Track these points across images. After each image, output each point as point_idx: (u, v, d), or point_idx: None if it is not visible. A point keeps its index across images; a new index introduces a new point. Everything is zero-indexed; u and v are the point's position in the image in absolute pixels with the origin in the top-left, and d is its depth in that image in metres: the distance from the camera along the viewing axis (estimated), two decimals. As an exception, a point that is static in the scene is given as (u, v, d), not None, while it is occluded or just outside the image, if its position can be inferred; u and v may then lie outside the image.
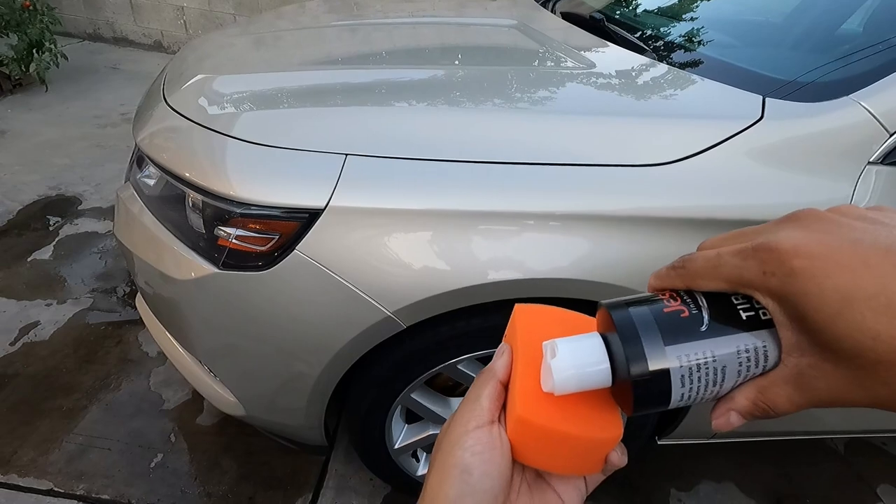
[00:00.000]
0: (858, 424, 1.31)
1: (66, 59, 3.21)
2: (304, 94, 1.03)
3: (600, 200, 0.85)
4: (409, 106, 1.00)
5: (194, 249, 0.95)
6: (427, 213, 0.85)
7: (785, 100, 0.94)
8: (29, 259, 1.97)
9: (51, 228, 2.14)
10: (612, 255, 0.87)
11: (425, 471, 1.22)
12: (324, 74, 1.14)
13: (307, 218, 0.85)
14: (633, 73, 1.12)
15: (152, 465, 1.34)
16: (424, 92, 1.05)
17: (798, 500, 1.49)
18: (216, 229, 0.89)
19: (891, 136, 0.87)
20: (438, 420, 1.14)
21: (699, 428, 1.22)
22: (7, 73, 3.02)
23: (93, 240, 2.11)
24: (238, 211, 0.86)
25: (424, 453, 1.24)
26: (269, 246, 0.88)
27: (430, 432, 1.14)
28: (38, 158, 2.59)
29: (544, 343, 0.31)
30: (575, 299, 0.89)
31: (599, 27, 1.36)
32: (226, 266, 0.90)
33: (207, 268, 0.92)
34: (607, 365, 0.29)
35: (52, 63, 3.05)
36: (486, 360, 1.03)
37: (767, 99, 0.93)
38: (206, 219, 0.90)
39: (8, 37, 3.00)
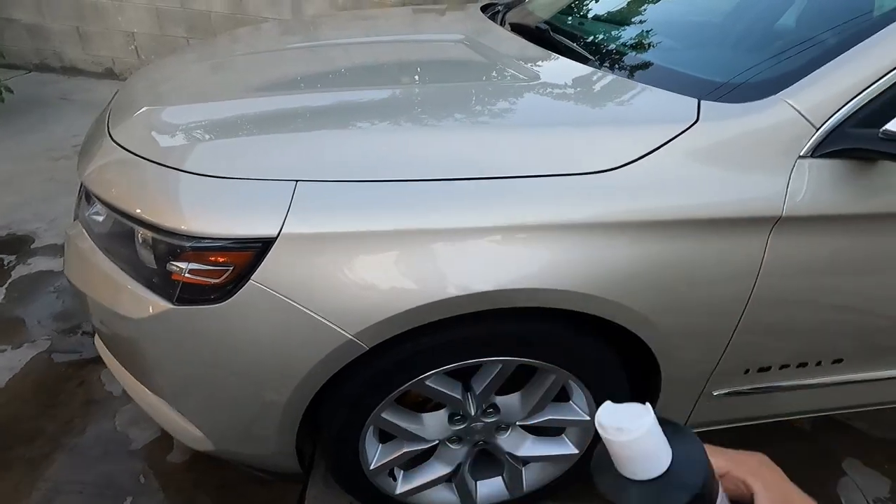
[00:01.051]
0: (823, 403, 1.36)
1: (12, 91, 3.11)
2: (254, 122, 1.03)
3: (551, 210, 0.88)
4: (358, 128, 1.00)
5: (148, 286, 0.93)
6: (381, 234, 0.86)
7: (719, 101, 0.98)
8: (-20, 304, 1.89)
9: (3, 269, 2.06)
10: (570, 262, 0.89)
11: (404, 489, 1.21)
12: (275, 100, 1.14)
13: (260, 247, 0.84)
14: (576, 83, 1.16)
15: (122, 508, 1.30)
16: (370, 113, 1.06)
17: (770, 482, 1.54)
18: (168, 264, 0.88)
19: (817, 130, 0.92)
20: (412, 438, 1.13)
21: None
22: (-51, 110, 2.91)
23: (48, 279, 2.03)
24: (188, 245, 0.85)
25: (402, 472, 1.23)
26: (223, 278, 0.87)
27: (405, 450, 1.14)
28: (-14, 197, 2.50)
29: None
30: (536, 308, 0.91)
31: (545, 38, 1.40)
32: (181, 301, 0.88)
33: (163, 304, 0.90)
34: None
35: (-4, 97, 2.95)
36: (453, 374, 1.03)
37: (702, 102, 0.97)
38: (157, 254, 0.89)
39: (-54, 73, 2.89)
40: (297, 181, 0.87)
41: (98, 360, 1.66)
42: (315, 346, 0.88)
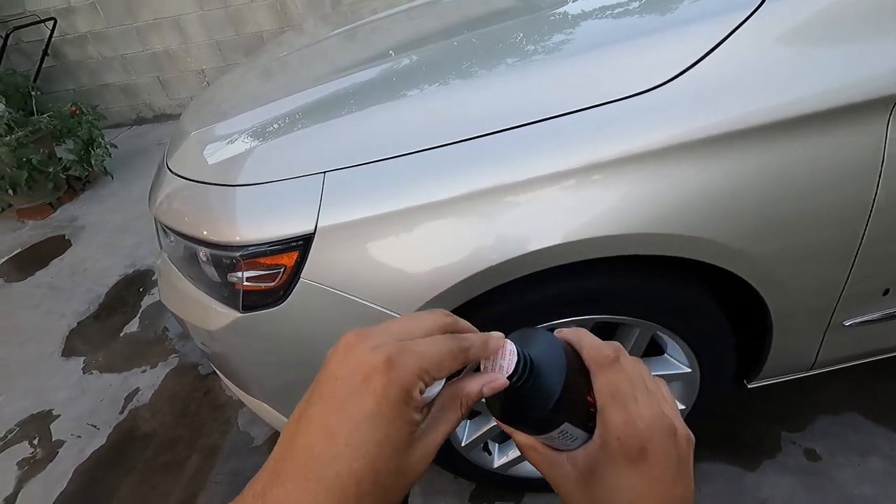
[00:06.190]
0: None
1: (116, 147, 3.52)
2: (284, 122, 1.03)
3: (592, 150, 0.77)
4: (386, 103, 0.96)
5: (220, 300, 0.98)
6: (419, 209, 0.82)
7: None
8: (122, 334, 2.19)
9: (134, 302, 2.36)
10: (632, 203, 0.78)
11: (501, 461, 1.19)
12: (304, 94, 1.13)
13: (302, 244, 0.84)
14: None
15: (254, 499, 1.43)
16: (398, 85, 1.01)
17: (943, 417, 1.29)
18: (228, 276, 0.92)
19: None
20: (498, 410, 1.10)
21: (792, 362, 1.08)
22: (77, 175, 3.38)
23: (169, 304, 2.29)
24: (238, 255, 0.87)
25: (496, 445, 1.21)
26: (278, 280, 0.88)
27: (492, 424, 1.11)
28: (113, 243, 2.87)
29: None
30: (598, 259, 0.82)
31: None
32: (246, 309, 0.92)
33: (232, 314, 0.94)
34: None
35: (105, 155, 3.36)
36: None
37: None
38: (217, 269, 0.93)
39: (65, 143, 3.34)
40: (325, 172, 0.85)
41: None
42: (374, 334, 0.87)
